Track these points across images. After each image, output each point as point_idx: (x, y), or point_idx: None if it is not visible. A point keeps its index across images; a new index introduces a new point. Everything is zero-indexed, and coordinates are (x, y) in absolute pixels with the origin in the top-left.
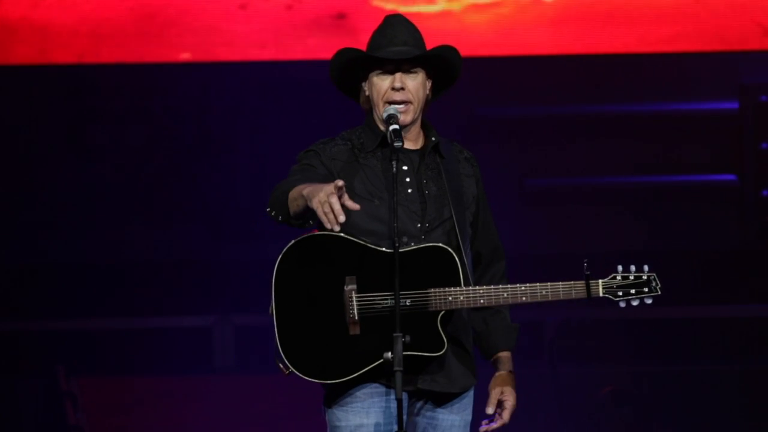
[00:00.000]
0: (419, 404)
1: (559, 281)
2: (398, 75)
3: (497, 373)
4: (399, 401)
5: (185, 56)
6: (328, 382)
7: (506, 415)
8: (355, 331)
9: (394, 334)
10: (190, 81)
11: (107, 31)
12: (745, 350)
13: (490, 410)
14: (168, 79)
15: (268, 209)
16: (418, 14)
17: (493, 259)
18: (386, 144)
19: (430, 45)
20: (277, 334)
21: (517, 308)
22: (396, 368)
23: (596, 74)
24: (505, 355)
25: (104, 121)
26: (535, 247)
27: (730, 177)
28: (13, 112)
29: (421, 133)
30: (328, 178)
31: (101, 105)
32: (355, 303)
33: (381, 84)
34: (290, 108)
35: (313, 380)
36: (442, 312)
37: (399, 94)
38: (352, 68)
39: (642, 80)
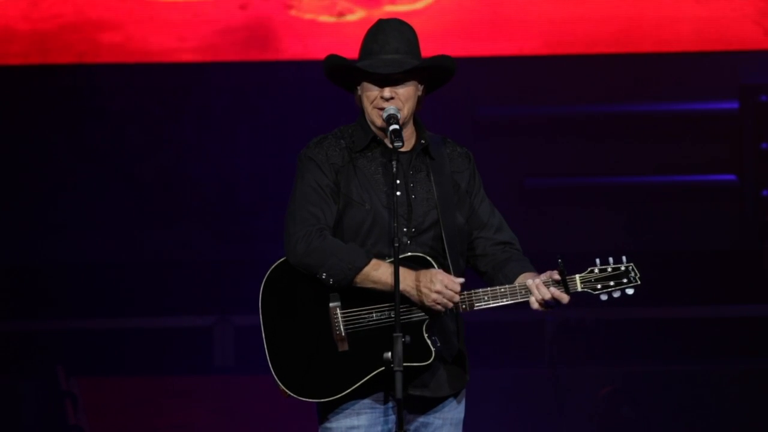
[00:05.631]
0: (411, 405)
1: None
2: (388, 87)
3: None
4: (399, 401)
5: (185, 56)
6: (323, 400)
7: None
8: (343, 347)
9: (394, 335)
10: (190, 81)
11: (107, 31)
12: (745, 350)
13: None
14: (168, 79)
15: (323, 275)
16: (343, 23)
17: (508, 244)
18: (377, 144)
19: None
20: (269, 359)
21: (515, 308)
22: (396, 368)
23: (596, 74)
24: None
25: (104, 121)
26: (535, 246)
27: (730, 177)
28: (13, 112)
29: (414, 134)
30: (334, 193)
31: (101, 105)
32: (340, 319)
33: (371, 92)
34: (290, 108)
35: (309, 400)
36: (427, 320)
37: (388, 102)
38: (344, 71)
39: (642, 80)
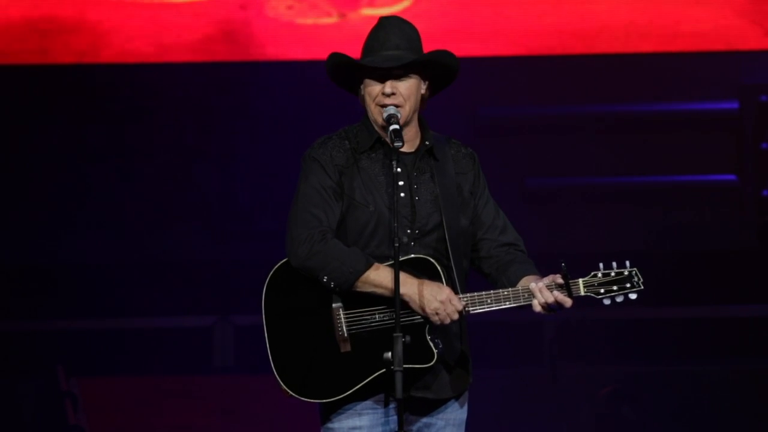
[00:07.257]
0: (413, 407)
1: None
2: (389, 82)
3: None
4: (399, 401)
5: (185, 56)
6: (325, 401)
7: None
8: (346, 348)
9: (394, 335)
10: (190, 81)
11: (107, 31)
12: (745, 350)
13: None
14: (168, 79)
15: (324, 278)
16: (316, 25)
17: (512, 245)
18: (381, 145)
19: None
20: (271, 360)
21: (516, 309)
22: (396, 368)
23: (596, 74)
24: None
25: (104, 121)
26: (535, 246)
27: (730, 177)
28: (13, 112)
29: (418, 135)
30: (337, 195)
31: (101, 105)
32: (343, 320)
33: (373, 88)
34: (290, 108)
35: (311, 401)
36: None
37: (390, 99)
38: (346, 70)
39: (642, 80)
